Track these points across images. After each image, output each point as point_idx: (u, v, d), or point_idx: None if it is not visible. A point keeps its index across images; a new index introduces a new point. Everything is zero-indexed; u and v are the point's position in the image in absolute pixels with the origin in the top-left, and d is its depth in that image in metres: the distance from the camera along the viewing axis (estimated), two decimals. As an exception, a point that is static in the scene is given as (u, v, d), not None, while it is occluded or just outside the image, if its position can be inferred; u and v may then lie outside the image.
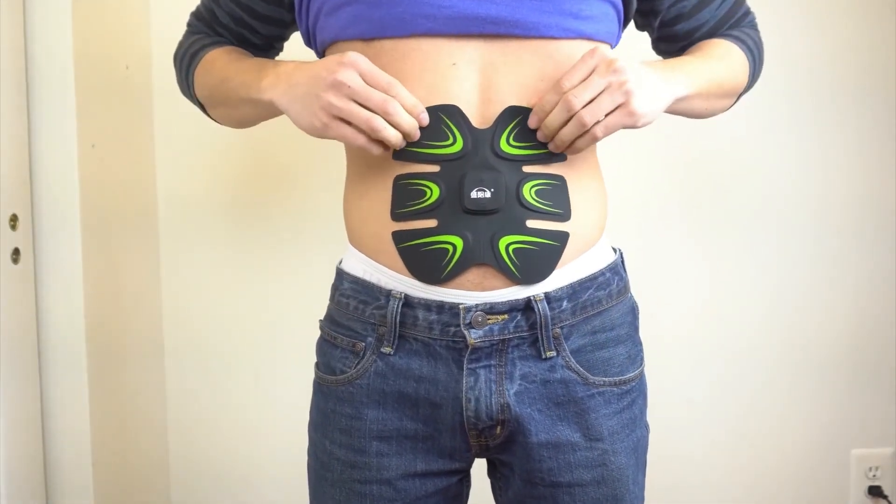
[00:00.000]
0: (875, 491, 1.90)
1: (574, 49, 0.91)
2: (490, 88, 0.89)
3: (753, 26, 1.10)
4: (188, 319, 1.77)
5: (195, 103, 1.08)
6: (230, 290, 1.76)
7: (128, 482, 1.67)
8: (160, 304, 1.76)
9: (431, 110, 0.88)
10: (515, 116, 0.88)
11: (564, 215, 0.91)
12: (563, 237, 0.91)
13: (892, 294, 1.87)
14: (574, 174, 0.93)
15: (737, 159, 1.80)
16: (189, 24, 1.12)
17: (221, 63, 1.01)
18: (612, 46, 0.98)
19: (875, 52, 1.81)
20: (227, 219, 1.74)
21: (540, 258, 0.91)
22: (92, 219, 1.52)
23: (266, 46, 1.08)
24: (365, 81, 0.84)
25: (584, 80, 0.85)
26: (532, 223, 0.90)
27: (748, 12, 1.10)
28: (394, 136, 0.85)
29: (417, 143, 0.88)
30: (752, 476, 1.89)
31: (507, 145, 0.88)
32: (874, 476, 1.91)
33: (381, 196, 0.92)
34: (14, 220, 1.44)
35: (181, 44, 1.10)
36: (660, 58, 1.11)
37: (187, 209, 1.74)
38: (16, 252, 1.44)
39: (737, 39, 1.05)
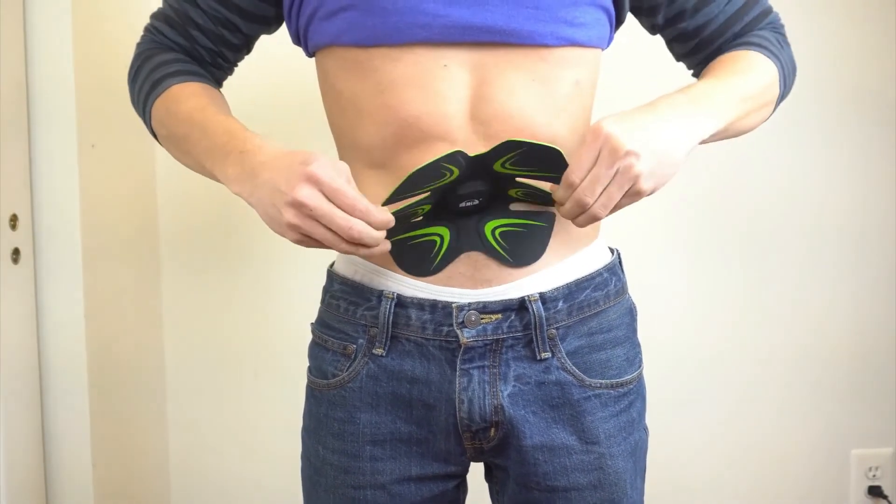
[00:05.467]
0: (875, 491, 1.90)
1: (566, 55, 0.91)
2: (483, 86, 0.89)
3: (776, 28, 1.02)
4: (187, 318, 1.77)
5: (148, 129, 1.01)
6: (229, 288, 1.76)
7: (128, 483, 1.67)
8: (160, 302, 1.76)
9: (434, 164, 0.83)
10: (514, 150, 0.85)
11: (549, 199, 0.89)
12: (549, 217, 0.91)
13: (892, 294, 1.87)
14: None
15: (736, 159, 1.80)
16: (151, 29, 1.02)
17: (185, 113, 0.94)
18: (604, 49, 0.97)
19: (876, 58, 1.81)
20: (225, 217, 1.75)
21: (528, 239, 0.91)
22: (92, 219, 1.53)
23: (242, 47, 1.03)
24: (328, 198, 0.79)
25: (592, 168, 0.82)
26: (516, 206, 0.91)
27: (768, 11, 1.02)
28: (364, 250, 0.82)
29: None
30: (752, 476, 1.89)
31: (501, 168, 0.87)
32: (874, 476, 1.90)
33: (373, 196, 0.92)
34: (14, 220, 1.44)
35: (139, 55, 1.01)
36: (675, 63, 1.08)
37: (187, 208, 1.74)
38: (16, 252, 1.44)
39: (755, 46, 0.97)
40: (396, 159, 0.91)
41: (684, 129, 0.86)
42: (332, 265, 1.00)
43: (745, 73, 0.94)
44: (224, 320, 1.77)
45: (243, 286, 1.77)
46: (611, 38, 0.99)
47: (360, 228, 0.79)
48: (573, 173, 0.82)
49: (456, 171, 0.85)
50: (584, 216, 0.84)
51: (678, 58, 1.06)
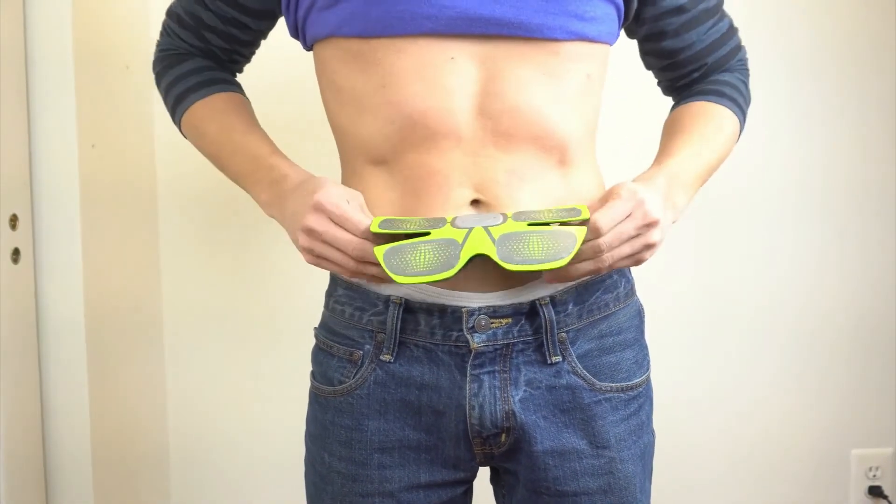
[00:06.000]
0: (875, 491, 1.90)
1: (577, 49, 0.89)
2: (491, 81, 0.87)
3: (743, 65, 1.08)
4: (188, 319, 1.76)
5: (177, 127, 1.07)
6: (230, 290, 1.76)
7: (128, 482, 1.66)
8: (160, 303, 1.75)
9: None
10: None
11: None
12: None
13: (893, 294, 1.87)
14: (572, 173, 0.92)
15: (738, 158, 1.79)
16: (167, 30, 1.06)
17: (211, 135, 1.00)
18: (611, 45, 0.96)
19: (876, 46, 1.81)
20: (226, 218, 1.74)
21: None
22: (92, 218, 1.52)
23: (252, 42, 1.05)
24: (336, 223, 0.85)
25: (620, 223, 0.86)
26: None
27: (739, 46, 1.07)
28: (372, 269, 0.86)
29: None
30: (753, 476, 1.89)
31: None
32: (874, 476, 1.91)
33: (377, 195, 0.91)
34: (14, 220, 1.43)
35: (160, 59, 1.06)
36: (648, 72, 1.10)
37: (187, 209, 1.73)
38: (16, 252, 1.43)
39: (727, 100, 1.02)
40: (401, 157, 0.89)
41: (677, 209, 0.93)
42: None
43: (716, 142, 1.00)
44: (226, 320, 1.76)
45: (245, 285, 1.76)
46: (617, 35, 0.97)
47: (364, 248, 0.83)
48: (603, 221, 0.84)
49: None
50: (577, 268, 0.86)
51: (648, 67, 1.08)
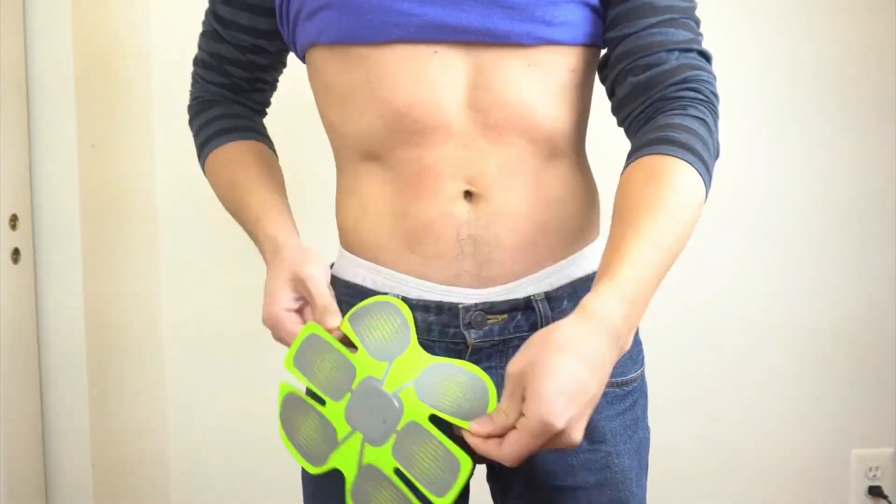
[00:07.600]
0: (875, 491, 1.90)
1: (551, 55, 0.88)
2: (479, 74, 0.87)
3: (702, 96, 0.86)
4: (188, 318, 1.76)
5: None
6: (229, 289, 1.76)
7: (128, 482, 1.67)
8: (160, 303, 1.76)
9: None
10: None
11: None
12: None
13: (893, 294, 1.87)
14: (562, 166, 0.92)
15: (738, 158, 1.80)
16: (195, 77, 1.09)
17: (224, 184, 1.04)
18: (598, 45, 0.93)
19: (878, 52, 1.82)
20: (226, 218, 1.74)
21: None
22: (92, 219, 1.52)
23: (273, 67, 1.07)
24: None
25: (519, 440, 0.71)
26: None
27: (694, 66, 0.87)
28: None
29: None
30: (753, 476, 1.89)
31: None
32: (874, 476, 1.91)
33: (372, 191, 0.91)
34: (14, 220, 1.44)
35: (192, 106, 1.09)
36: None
37: (187, 209, 1.74)
38: (16, 252, 1.44)
39: (679, 148, 0.81)
40: (392, 151, 0.90)
41: (611, 356, 0.75)
42: (331, 266, 1.00)
43: (669, 215, 0.80)
44: (224, 319, 1.77)
45: (243, 285, 1.76)
46: (601, 35, 0.93)
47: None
48: (498, 452, 0.72)
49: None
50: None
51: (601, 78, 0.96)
